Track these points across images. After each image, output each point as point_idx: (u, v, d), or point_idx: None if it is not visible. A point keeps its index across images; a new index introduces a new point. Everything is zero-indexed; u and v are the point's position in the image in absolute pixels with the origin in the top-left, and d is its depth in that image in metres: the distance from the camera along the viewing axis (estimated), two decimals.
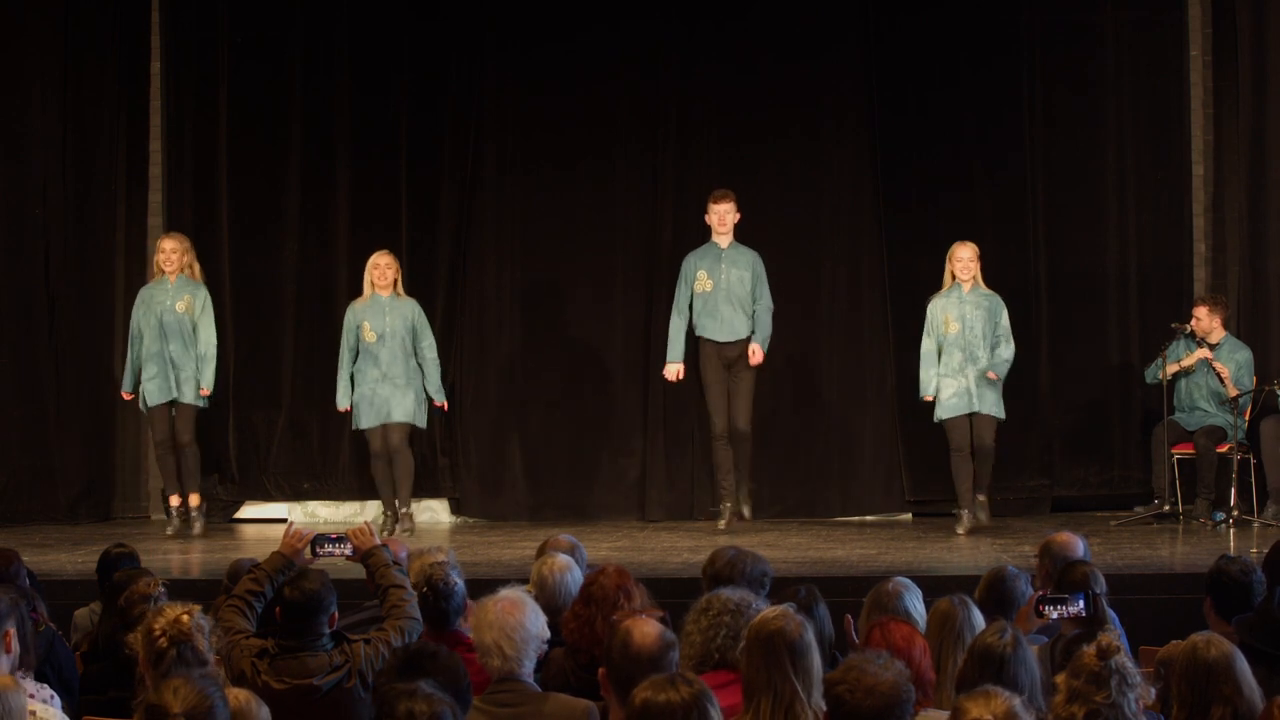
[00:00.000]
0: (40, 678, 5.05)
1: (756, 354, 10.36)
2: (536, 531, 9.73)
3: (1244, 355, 10.63)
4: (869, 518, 11.46)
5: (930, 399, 10.36)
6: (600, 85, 11.75)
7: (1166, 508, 10.46)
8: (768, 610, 4.28)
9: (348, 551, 5.73)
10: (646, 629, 4.33)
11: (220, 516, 11.66)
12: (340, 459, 11.65)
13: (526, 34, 11.79)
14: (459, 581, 5.68)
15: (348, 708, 5.19)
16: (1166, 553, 9.43)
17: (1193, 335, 10.65)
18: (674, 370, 10.58)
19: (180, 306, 10.59)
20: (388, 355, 10.50)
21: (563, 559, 6.05)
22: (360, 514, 11.51)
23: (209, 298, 10.72)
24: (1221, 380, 10.55)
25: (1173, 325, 10.66)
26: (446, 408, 10.85)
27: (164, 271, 10.62)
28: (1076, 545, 6.29)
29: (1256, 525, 10.21)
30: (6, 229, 11.49)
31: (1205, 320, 10.64)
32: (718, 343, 10.40)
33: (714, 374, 10.45)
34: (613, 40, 11.75)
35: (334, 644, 5.27)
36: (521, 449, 11.72)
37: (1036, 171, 11.52)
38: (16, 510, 11.29)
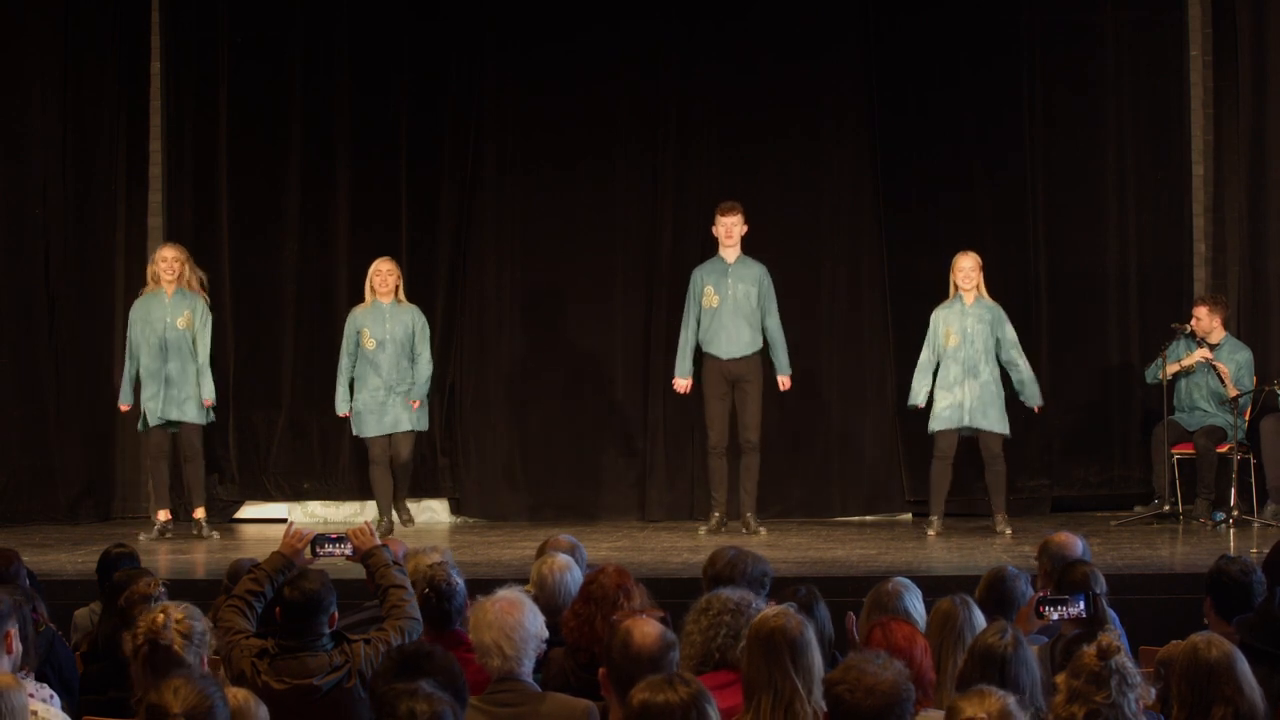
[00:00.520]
0: (40, 678, 5.05)
1: (785, 384, 10.44)
2: (536, 531, 9.73)
3: (1244, 355, 10.64)
4: (869, 518, 11.47)
5: (919, 408, 10.36)
6: (600, 85, 11.76)
7: (1166, 508, 10.46)
8: (768, 609, 4.28)
9: (348, 551, 5.73)
10: (647, 629, 4.33)
11: (220, 516, 11.66)
12: (340, 459, 11.65)
13: (526, 34, 11.80)
14: (460, 581, 5.68)
15: (348, 708, 5.19)
16: (1166, 553, 9.43)
17: (1193, 335, 10.65)
18: (683, 385, 10.55)
19: (180, 323, 10.50)
20: (388, 363, 10.48)
21: (562, 559, 6.05)
22: (360, 514, 11.51)
23: (208, 309, 10.64)
24: (1222, 380, 10.55)
25: (1173, 325, 10.66)
26: (417, 405, 10.72)
27: (161, 282, 10.51)
28: (1076, 545, 6.30)
29: (1256, 525, 10.21)
30: (6, 229, 11.49)
31: (1205, 320, 10.64)
32: (722, 359, 10.38)
33: (715, 388, 10.41)
34: (613, 40, 11.76)
35: (334, 644, 5.27)
36: (521, 449, 11.72)
37: (1036, 171, 11.52)
38: (16, 510, 11.30)
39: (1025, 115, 11.52)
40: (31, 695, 4.54)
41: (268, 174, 11.87)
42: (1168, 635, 5.25)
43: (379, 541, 5.79)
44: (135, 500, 11.91)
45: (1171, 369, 10.62)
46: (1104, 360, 11.53)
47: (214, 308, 10.84)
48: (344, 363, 10.58)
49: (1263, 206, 11.13)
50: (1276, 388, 10.41)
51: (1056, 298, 11.48)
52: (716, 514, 10.49)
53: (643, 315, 11.65)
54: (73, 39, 11.72)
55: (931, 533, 10.27)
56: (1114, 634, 4.56)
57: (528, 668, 4.83)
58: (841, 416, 11.60)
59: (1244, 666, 4.25)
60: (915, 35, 11.55)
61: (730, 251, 10.43)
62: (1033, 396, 10.36)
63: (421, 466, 11.46)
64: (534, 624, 4.83)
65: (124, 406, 10.77)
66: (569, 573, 5.96)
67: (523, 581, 5.65)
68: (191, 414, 10.51)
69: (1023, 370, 10.32)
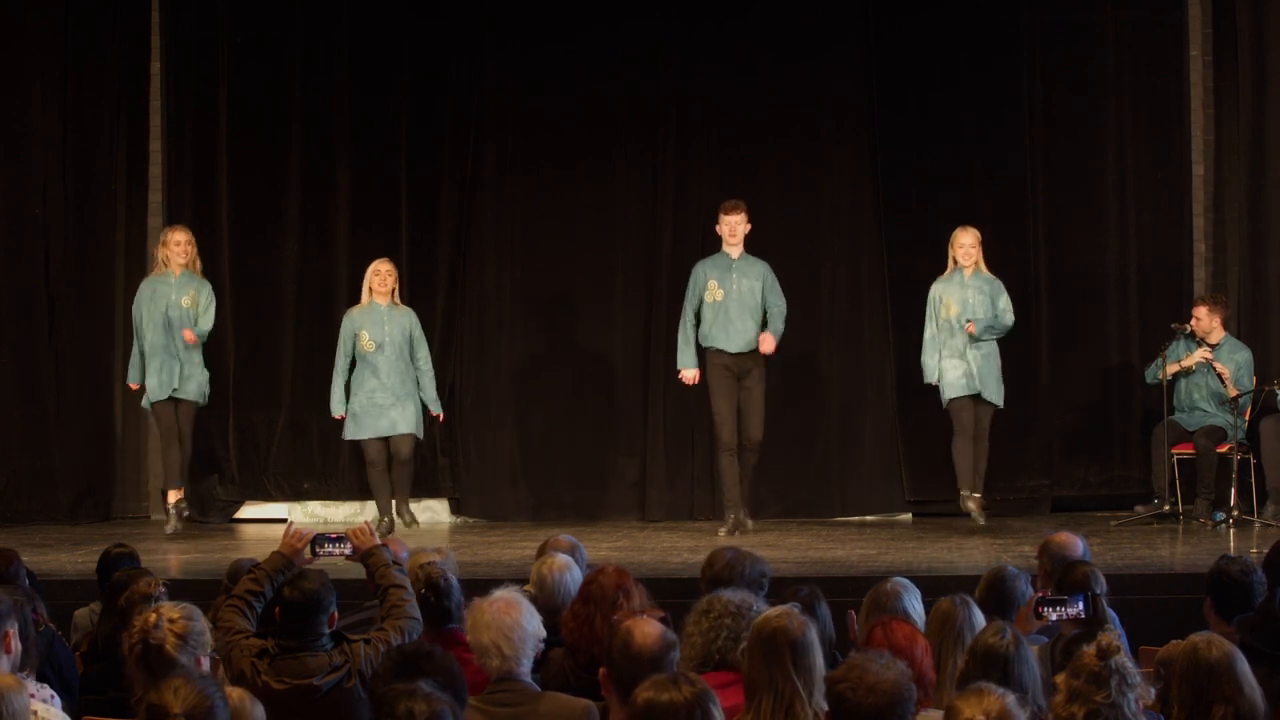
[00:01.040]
0: (40, 678, 5.04)
1: (767, 341, 10.20)
2: (536, 531, 9.73)
3: (1244, 355, 10.64)
4: (869, 518, 11.47)
5: (934, 383, 10.34)
6: (600, 85, 11.76)
7: (1166, 508, 10.46)
8: (771, 609, 4.28)
9: (348, 551, 5.73)
10: (647, 629, 4.33)
11: (220, 516, 11.67)
12: (340, 459, 11.65)
13: (526, 34, 11.80)
14: (455, 579, 5.69)
15: (348, 708, 5.19)
16: (1166, 553, 9.43)
17: (1193, 335, 10.64)
18: (690, 375, 10.46)
19: (185, 302, 10.60)
20: (386, 365, 10.44)
21: (562, 559, 6.05)
22: (360, 514, 11.51)
23: (212, 291, 10.74)
24: (1222, 380, 10.55)
25: (1173, 325, 10.66)
26: (442, 418, 10.79)
27: (169, 264, 10.61)
28: (1076, 545, 6.29)
29: (1256, 525, 10.21)
30: (6, 229, 11.49)
31: (1205, 320, 10.64)
32: (729, 353, 10.35)
33: (723, 384, 10.33)
34: (613, 40, 11.76)
35: (334, 644, 5.27)
36: (521, 449, 11.72)
37: (1036, 171, 11.52)
38: (16, 510, 11.29)
39: (1025, 115, 11.53)
40: (32, 695, 4.53)
41: (268, 174, 11.87)
42: (1168, 635, 5.24)
43: (379, 541, 5.79)
44: (135, 500, 11.92)
45: (1171, 369, 10.62)
46: (1104, 360, 11.53)
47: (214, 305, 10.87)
48: (340, 364, 10.54)
49: (1263, 206, 11.13)
50: (1276, 388, 10.41)
51: (1056, 298, 11.48)
52: (733, 515, 10.36)
53: (643, 315, 11.65)
54: (73, 39, 11.72)
55: (971, 509, 10.21)
56: (1114, 634, 4.56)
57: (526, 668, 4.83)
58: (841, 416, 11.59)
59: (1244, 666, 4.24)
60: (915, 35, 11.56)
61: (734, 249, 10.41)
62: (988, 330, 10.26)
63: (421, 466, 11.46)
64: (532, 624, 4.83)
65: (134, 385, 10.81)
66: (568, 573, 5.96)
67: (523, 581, 5.65)
68: (191, 393, 10.56)
69: (1000, 321, 10.26)
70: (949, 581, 7.54)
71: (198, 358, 10.65)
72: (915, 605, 5.32)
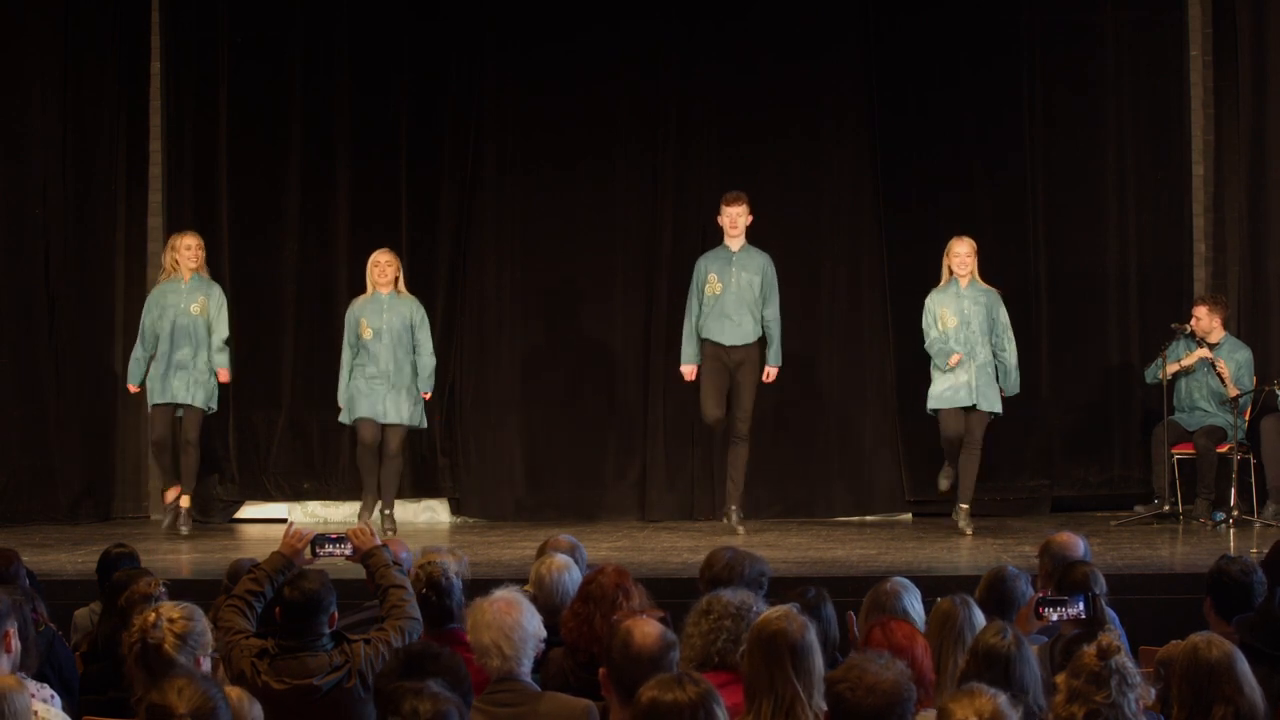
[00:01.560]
0: (40, 678, 5.04)
1: (771, 375, 10.32)
2: (536, 531, 9.72)
3: (1244, 355, 10.64)
4: (869, 518, 11.47)
5: (953, 363, 10.17)
6: (600, 85, 11.76)
7: (1166, 508, 10.46)
8: (770, 610, 4.26)
9: (348, 551, 5.73)
10: (647, 629, 4.33)
11: (220, 516, 11.66)
12: (340, 459, 11.65)
13: (526, 34, 11.80)
14: (456, 579, 5.69)
15: (348, 708, 5.19)
16: (1166, 553, 9.43)
17: (1193, 335, 10.64)
18: (690, 371, 10.48)
19: (195, 309, 10.57)
20: (385, 353, 10.45)
21: (561, 559, 6.06)
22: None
23: (223, 294, 10.73)
24: (1222, 380, 10.55)
25: (1173, 325, 10.66)
26: (428, 396, 10.72)
27: (179, 270, 10.59)
28: (1077, 545, 6.29)
29: (1257, 525, 10.21)
30: (6, 229, 11.49)
31: (1205, 320, 10.64)
32: (724, 345, 10.36)
33: (712, 369, 10.32)
34: (613, 40, 11.75)
35: (334, 644, 5.27)
36: (521, 449, 11.72)
37: (1036, 171, 11.52)
38: (16, 510, 11.29)
39: (1025, 115, 11.53)
40: (33, 695, 4.54)
41: (268, 174, 11.87)
42: (1168, 635, 5.25)
43: (379, 542, 5.80)
44: (135, 500, 11.92)
45: (1171, 369, 10.62)
46: (1104, 360, 11.53)
47: None
48: (345, 355, 10.57)
49: (1263, 206, 11.13)
50: (1276, 388, 10.41)
51: (1056, 298, 11.48)
52: (733, 505, 10.35)
53: (643, 315, 11.65)
54: (73, 39, 11.72)
55: (945, 483, 10.30)
56: (1114, 634, 4.56)
57: (526, 667, 4.84)
58: (841, 416, 11.59)
59: (1244, 666, 4.25)
60: (915, 35, 11.55)
61: (735, 241, 10.41)
62: (1012, 386, 10.29)
63: (421, 466, 11.46)
64: (532, 624, 4.84)
65: (133, 388, 10.80)
66: (567, 573, 5.96)
67: (522, 581, 5.65)
68: (199, 400, 10.55)
69: (1009, 358, 10.25)
70: (949, 581, 7.55)
71: (204, 365, 10.61)
72: (915, 605, 5.32)
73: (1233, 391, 10.45)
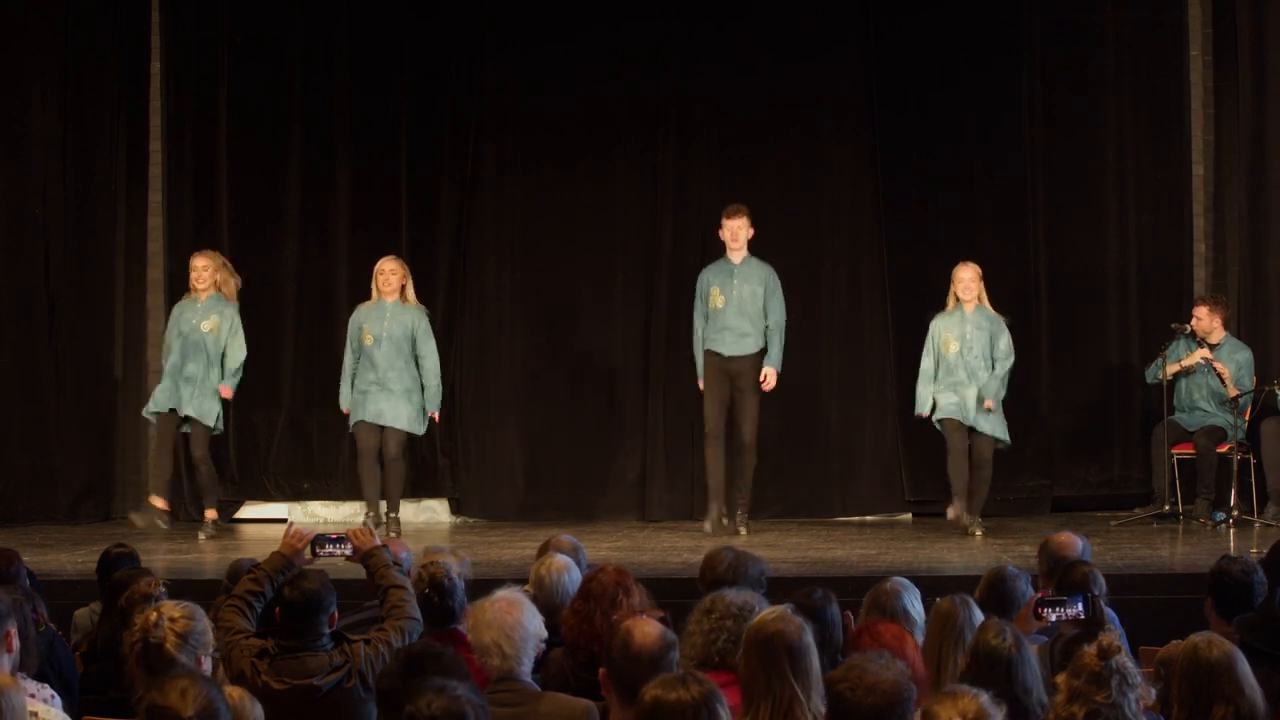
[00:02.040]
0: (40, 678, 5.04)
1: (770, 379, 10.27)
2: (536, 531, 9.72)
3: (1244, 355, 10.64)
4: (869, 518, 11.47)
5: (925, 415, 10.30)
6: (600, 85, 11.76)
7: (1166, 508, 10.46)
8: (766, 611, 4.25)
9: (348, 552, 5.73)
10: (647, 629, 4.33)
11: (220, 517, 11.65)
12: (340, 459, 11.65)
13: (526, 34, 11.80)
14: (459, 579, 5.69)
15: (348, 708, 5.19)
16: (1166, 553, 9.43)
17: (1193, 335, 10.64)
18: (704, 384, 10.47)
19: (206, 326, 10.56)
20: (384, 360, 10.41)
21: (561, 559, 6.06)
22: (360, 514, 11.48)
23: (238, 315, 10.65)
24: (1222, 380, 10.55)
25: (1173, 325, 10.66)
26: (437, 418, 10.75)
27: (195, 290, 10.63)
28: (1076, 545, 6.29)
29: (1257, 525, 10.21)
30: (6, 229, 11.49)
31: (1205, 320, 10.64)
32: (724, 356, 10.33)
33: (714, 379, 10.32)
34: (613, 40, 11.75)
35: (334, 644, 5.27)
36: (521, 449, 11.72)
37: (1036, 171, 11.52)
38: (16, 510, 11.29)
39: (1025, 115, 11.53)
40: (32, 695, 4.54)
41: (268, 174, 11.87)
42: (1168, 635, 5.24)
43: (379, 542, 5.80)
44: (136, 500, 11.89)
45: (1171, 369, 10.62)
46: (1104, 360, 11.53)
47: None
48: (348, 360, 10.56)
49: (1263, 206, 11.13)
50: (1276, 388, 10.40)
51: (1056, 298, 11.48)
52: (715, 507, 10.31)
53: (643, 315, 11.64)
54: (73, 39, 11.71)
55: (952, 516, 10.12)
56: (1114, 634, 4.56)
57: (527, 667, 4.84)
58: (841, 416, 11.59)
59: (1244, 666, 4.25)
60: (915, 35, 11.56)
61: (737, 254, 10.39)
62: (988, 391, 10.21)
63: (421, 466, 11.46)
64: (533, 624, 4.84)
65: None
66: (567, 573, 5.96)
67: (522, 581, 5.65)
68: (209, 417, 10.54)
69: (998, 372, 10.21)
70: (949, 581, 7.55)
71: (214, 383, 10.59)
72: (915, 605, 5.31)
73: (1233, 392, 10.45)
